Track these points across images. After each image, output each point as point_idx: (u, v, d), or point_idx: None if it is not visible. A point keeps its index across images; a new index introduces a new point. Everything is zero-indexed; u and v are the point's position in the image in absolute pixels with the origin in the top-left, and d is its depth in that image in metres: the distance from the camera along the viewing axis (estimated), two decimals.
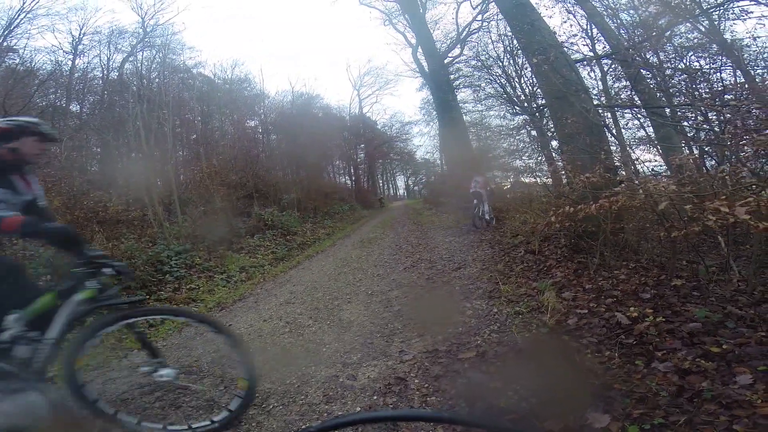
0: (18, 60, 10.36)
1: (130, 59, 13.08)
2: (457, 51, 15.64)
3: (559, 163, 6.80)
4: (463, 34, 15.17)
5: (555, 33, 6.22)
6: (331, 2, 38.87)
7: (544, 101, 9.32)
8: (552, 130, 8.66)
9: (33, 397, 0.40)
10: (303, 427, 2.16)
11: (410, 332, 3.44)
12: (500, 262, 5.57)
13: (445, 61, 15.05)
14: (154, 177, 9.18)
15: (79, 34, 12.23)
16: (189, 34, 38.97)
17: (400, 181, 38.98)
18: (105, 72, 12.70)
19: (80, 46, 12.26)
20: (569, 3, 8.19)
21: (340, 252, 8.71)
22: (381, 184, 31.84)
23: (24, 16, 10.61)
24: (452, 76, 15.23)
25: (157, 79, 12.61)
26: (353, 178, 25.38)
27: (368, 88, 26.51)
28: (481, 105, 15.45)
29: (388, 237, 10.25)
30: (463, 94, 15.91)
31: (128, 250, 6.17)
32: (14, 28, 10.45)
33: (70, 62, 11.96)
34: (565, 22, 10.07)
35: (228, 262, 7.51)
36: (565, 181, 5.66)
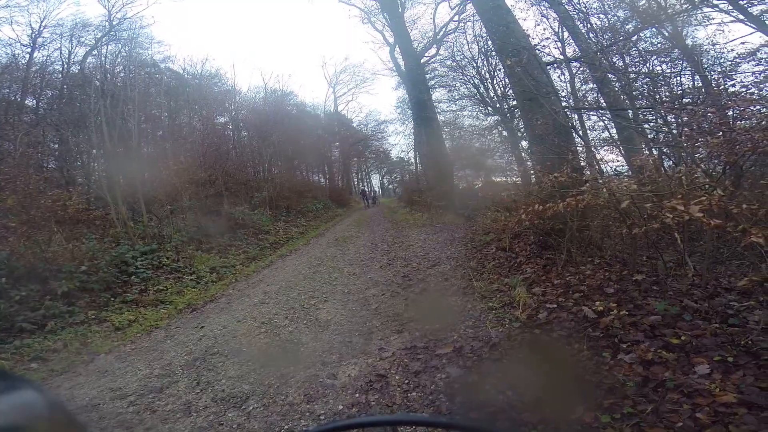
0: None
1: (93, 53, 12.28)
2: (433, 51, 15.82)
3: (529, 163, 7.03)
4: (440, 34, 15.36)
5: (528, 36, 6.39)
6: (309, 0, 38.27)
7: (515, 103, 9.57)
8: (522, 130, 8.92)
9: (30, 395, 0.39)
10: (287, 427, 2.14)
11: (388, 330, 3.48)
12: (473, 259, 5.70)
13: (422, 61, 15.14)
14: (117, 174, 8.74)
15: (39, 27, 11.37)
16: (160, 29, 36.67)
17: (375, 180, 38.89)
18: (65, 66, 11.90)
19: (40, 39, 11.42)
20: (543, 6, 8.41)
21: (314, 251, 8.63)
22: (356, 183, 31.62)
23: None
24: (428, 76, 15.36)
25: (122, 74, 11.92)
26: (327, 176, 25.08)
27: (344, 86, 26.23)
28: (455, 105, 15.76)
29: (364, 235, 10.24)
30: (438, 94, 16.13)
31: (90, 251, 5.87)
32: None
33: (27, 55, 11.13)
34: (538, 24, 10.38)
35: (197, 263, 7.29)
36: (534, 180, 5.84)
